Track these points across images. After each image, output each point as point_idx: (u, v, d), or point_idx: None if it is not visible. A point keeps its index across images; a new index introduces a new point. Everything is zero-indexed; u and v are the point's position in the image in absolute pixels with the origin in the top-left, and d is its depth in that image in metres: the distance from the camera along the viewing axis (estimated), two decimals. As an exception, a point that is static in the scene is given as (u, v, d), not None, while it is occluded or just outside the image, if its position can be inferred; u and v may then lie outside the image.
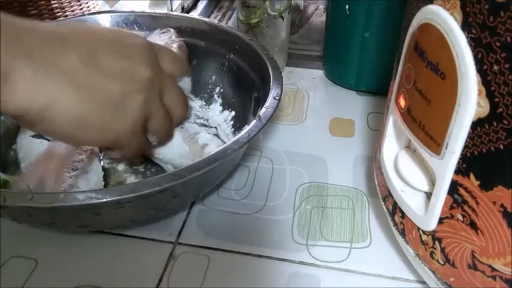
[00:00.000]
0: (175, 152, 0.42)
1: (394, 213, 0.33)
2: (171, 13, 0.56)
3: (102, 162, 0.43)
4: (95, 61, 0.29)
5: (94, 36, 0.30)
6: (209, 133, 0.43)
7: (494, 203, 0.23)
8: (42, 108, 0.27)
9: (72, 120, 0.29)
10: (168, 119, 0.36)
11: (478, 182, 0.24)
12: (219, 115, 0.51)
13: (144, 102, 0.32)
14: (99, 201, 0.30)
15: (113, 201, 0.30)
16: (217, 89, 0.52)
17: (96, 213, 0.34)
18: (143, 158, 0.43)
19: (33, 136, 0.42)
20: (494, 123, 0.22)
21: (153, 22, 0.54)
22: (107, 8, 0.69)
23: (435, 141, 0.25)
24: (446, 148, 0.24)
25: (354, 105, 0.55)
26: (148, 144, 0.37)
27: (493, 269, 0.25)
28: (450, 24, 0.22)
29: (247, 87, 0.49)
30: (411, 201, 0.30)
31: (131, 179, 0.43)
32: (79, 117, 0.29)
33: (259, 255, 0.37)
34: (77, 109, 0.29)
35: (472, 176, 0.24)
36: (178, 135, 0.42)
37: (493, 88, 0.21)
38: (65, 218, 0.35)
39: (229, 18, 0.75)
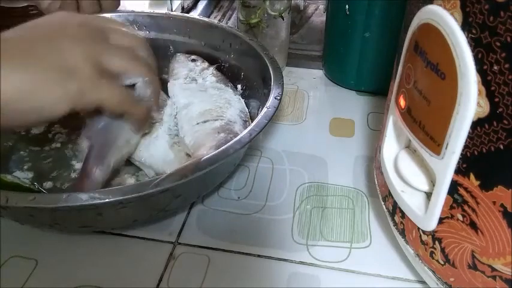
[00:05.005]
0: (159, 156, 0.41)
1: (394, 213, 0.33)
2: (171, 13, 0.56)
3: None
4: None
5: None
6: None
7: (494, 203, 0.23)
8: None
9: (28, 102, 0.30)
10: (120, 50, 0.36)
11: (478, 182, 0.24)
12: None
13: (83, 50, 0.32)
14: (102, 201, 0.30)
15: (116, 202, 0.30)
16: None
17: (98, 214, 0.34)
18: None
19: None
20: (494, 123, 0.22)
21: (152, 22, 0.54)
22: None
23: (435, 141, 0.25)
24: (446, 148, 0.25)
25: (354, 105, 0.55)
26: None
27: (493, 269, 0.25)
28: (450, 24, 0.22)
29: (248, 87, 0.49)
30: (411, 201, 0.30)
31: (131, 180, 0.42)
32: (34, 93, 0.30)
33: (259, 255, 0.37)
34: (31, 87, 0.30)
35: (472, 176, 0.24)
36: (163, 140, 0.42)
37: (493, 88, 0.21)
38: (67, 219, 0.35)
39: (229, 18, 0.75)
